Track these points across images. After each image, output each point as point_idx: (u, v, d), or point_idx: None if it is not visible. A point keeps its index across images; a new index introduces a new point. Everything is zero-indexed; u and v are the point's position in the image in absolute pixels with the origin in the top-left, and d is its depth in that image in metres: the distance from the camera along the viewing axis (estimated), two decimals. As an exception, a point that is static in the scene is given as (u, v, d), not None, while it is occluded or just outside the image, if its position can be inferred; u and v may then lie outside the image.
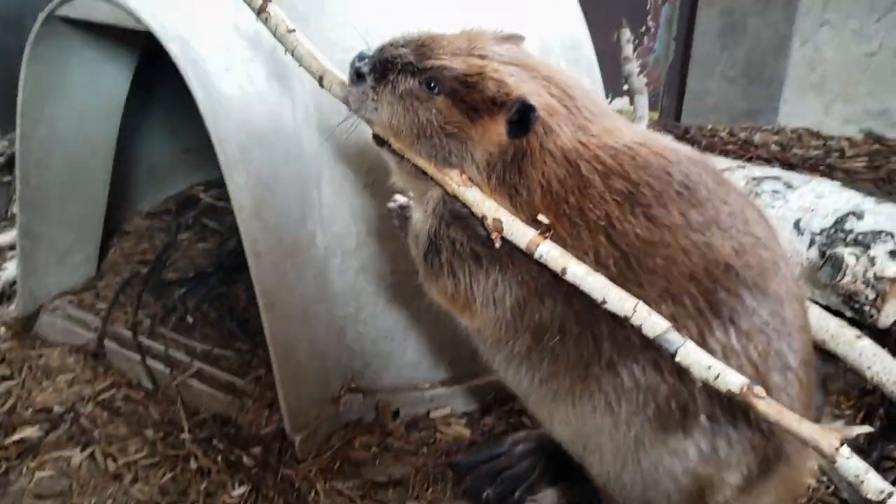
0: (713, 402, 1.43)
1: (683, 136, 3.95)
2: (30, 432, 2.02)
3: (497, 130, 1.47)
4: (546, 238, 1.43)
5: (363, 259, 2.02)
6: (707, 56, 4.51)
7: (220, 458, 1.92)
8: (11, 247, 2.80)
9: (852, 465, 1.22)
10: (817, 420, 2.04)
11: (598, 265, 1.43)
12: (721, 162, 3.09)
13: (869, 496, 1.22)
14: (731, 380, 1.30)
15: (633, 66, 3.64)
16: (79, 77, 2.22)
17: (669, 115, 4.61)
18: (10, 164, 3.17)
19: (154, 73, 2.43)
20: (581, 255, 1.43)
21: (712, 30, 4.44)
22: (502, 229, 1.45)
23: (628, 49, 3.72)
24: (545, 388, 1.59)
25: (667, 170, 1.45)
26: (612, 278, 1.40)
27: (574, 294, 1.43)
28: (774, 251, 1.49)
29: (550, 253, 1.42)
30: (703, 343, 1.38)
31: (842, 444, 1.21)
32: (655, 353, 1.43)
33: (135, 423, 2.06)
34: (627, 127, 1.56)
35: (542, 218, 1.45)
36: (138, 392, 2.18)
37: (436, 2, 2.02)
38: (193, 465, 1.92)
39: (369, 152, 1.98)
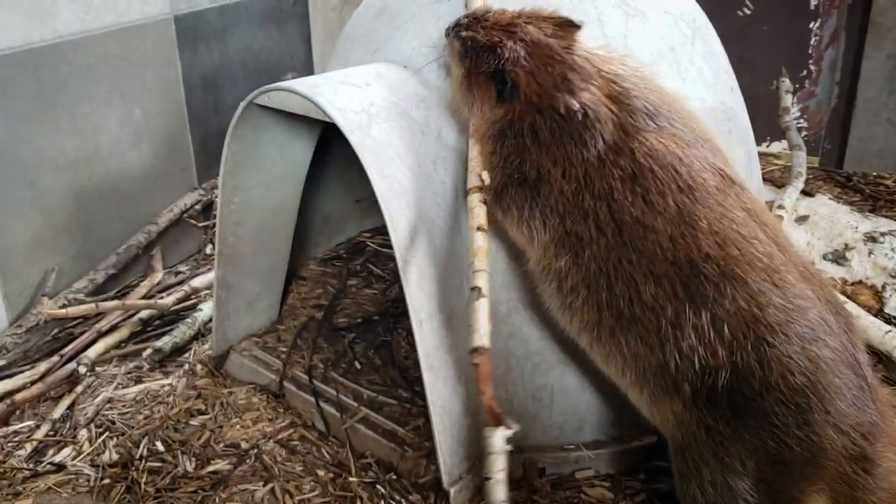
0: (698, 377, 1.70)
1: (846, 183, 3.86)
2: (221, 465, 2.31)
3: (491, 93, 1.87)
4: (478, 192, 1.89)
5: (512, 325, 2.18)
6: (873, 101, 4.36)
7: (382, 503, 2.14)
8: (207, 288, 3.18)
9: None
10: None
11: (598, 230, 1.74)
12: (882, 224, 3.04)
13: None
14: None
15: (791, 120, 3.62)
16: (270, 152, 2.52)
17: (831, 162, 4.49)
18: (205, 210, 3.58)
19: (332, 135, 2.70)
20: (583, 216, 1.75)
21: (879, 74, 4.30)
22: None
23: (787, 99, 3.70)
24: (581, 341, 1.91)
25: (675, 166, 1.71)
26: (609, 246, 1.73)
27: (579, 257, 1.77)
28: (765, 247, 1.70)
29: (473, 203, 1.89)
30: (676, 321, 1.69)
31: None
32: (642, 329, 1.72)
33: (309, 463, 2.31)
34: (677, 128, 1.80)
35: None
36: (312, 433, 2.43)
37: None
38: (359, 506, 2.15)
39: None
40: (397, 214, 2.02)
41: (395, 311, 2.93)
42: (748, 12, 4.36)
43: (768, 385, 1.63)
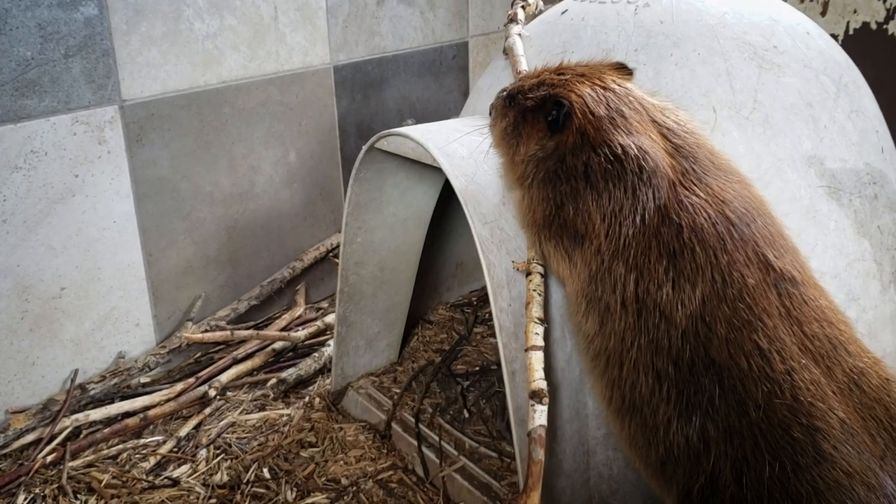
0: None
1: None
2: (319, 499, 2.35)
3: (540, 125, 1.72)
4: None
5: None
6: None
7: (465, 557, 2.09)
8: (337, 325, 3.29)
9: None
10: None
11: (622, 306, 1.56)
12: None
13: None
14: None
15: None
16: (392, 195, 2.59)
17: None
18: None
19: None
20: (612, 286, 1.58)
21: None
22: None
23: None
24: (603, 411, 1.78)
25: (717, 251, 1.53)
26: (627, 325, 1.56)
27: (604, 326, 1.62)
28: (787, 364, 1.47)
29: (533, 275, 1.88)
30: (668, 424, 1.53)
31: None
32: (640, 419, 1.58)
33: (402, 507, 2.31)
34: (728, 198, 1.59)
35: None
36: (411, 477, 2.43)
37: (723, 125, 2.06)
38: (444, 558, 2.11)
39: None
40: (496, 262, 2.00)
41: (515, 362, 2.89)
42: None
43: None
